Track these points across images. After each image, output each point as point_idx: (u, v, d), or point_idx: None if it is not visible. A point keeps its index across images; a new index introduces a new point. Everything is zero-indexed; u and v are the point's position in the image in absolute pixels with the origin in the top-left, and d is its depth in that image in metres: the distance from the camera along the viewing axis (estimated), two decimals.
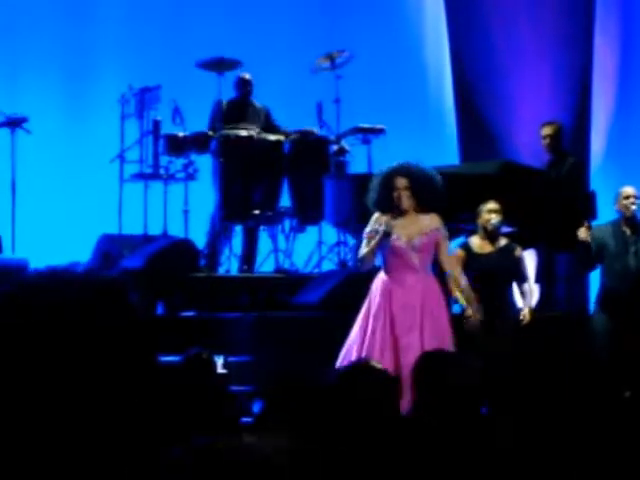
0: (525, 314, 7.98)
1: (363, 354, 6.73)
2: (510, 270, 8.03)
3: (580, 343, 8.36)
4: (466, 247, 8.12)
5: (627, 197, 8.48)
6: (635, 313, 8.26)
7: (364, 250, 7.01)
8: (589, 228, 8.32)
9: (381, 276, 7.05)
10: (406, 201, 6.97)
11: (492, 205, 8.01)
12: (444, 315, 6.98)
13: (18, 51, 10.99)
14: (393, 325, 6.83)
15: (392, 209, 7.01)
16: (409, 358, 6.53)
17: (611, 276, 8.42)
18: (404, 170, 7.05)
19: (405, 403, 6.32)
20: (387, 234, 6.89)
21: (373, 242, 6.93)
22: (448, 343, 6.82)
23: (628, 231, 8.45)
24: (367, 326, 6.90)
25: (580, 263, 8.78)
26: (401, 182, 6.98)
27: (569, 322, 9.13)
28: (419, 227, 7.00)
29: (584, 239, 8.28)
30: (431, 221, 7.04)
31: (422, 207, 7.04)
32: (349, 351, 6.87)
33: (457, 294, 7.23)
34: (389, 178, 7.02)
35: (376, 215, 7.05)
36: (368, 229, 7.04)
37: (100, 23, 11.23)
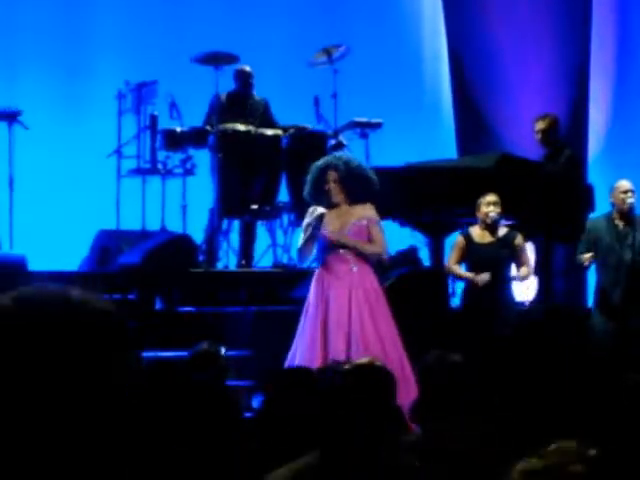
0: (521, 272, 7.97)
1: (300, 349, 6.93)
2: (509, 259, 8.03)
3: (578, 336, 8.36)
4: (467, 235, 8.12)
5: (625, 191, 8.46)
6: (631, 311, 8.25)
7: (301, 241, 7.22)
8: (592, 257, 8.30)
9: (318, 268, 7.26)
10: (336, 194, 7.18)
11: (491, 198, 8.01)
12: (381, 303, 7.10)
13: (15, 47, 10.97)
14: (327, 313, 6.97)
15: (324, 202, 7.22)
16: (337, 347, 6.69)
17: (606, 270, 8.42)
18: (334, 164, 7.26)
19: None
20: (320, 217, 7.06)
21: (308, 231, 7.12)
22: (387, 329, 7.00)
23: (621, 224, 8.44)
24: (305, 313, 7.10)
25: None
26: (331, 175, 7.20)
27: (567, 315, 9.14)
28: (350, 218, 7.20)
29: (586, 266, 8.31)
30: (363, 211, 7.23)
31: (354, 199, 7.23)
32: (295, 350, 7.04)
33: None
34: (321, 172, 7.25)
35: (312, 208, 7.22)
36: (306, 221, 7.21)
37: (97, 19, 11.22)
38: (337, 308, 6.98)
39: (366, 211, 7.23)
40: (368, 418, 3.18)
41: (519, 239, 8.11)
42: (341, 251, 7.15)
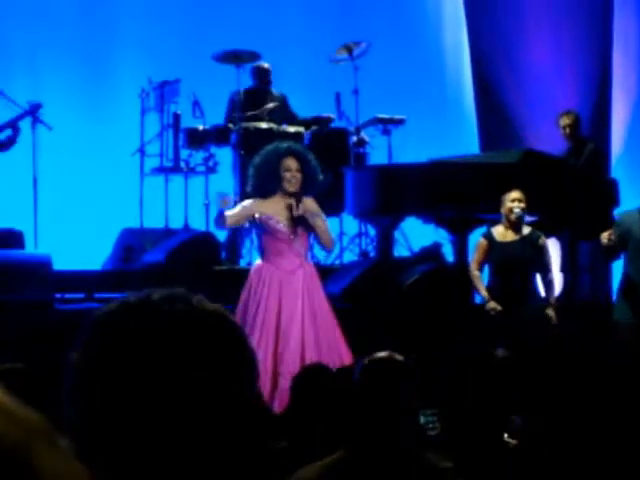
0: (550, 313, 7.90)
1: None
2: (533, 258, 7.98)
3: (603, 332, 8.31)
4: (489, 236, 8.07)
5: None
6: None
7: (234, 216, 6.86)
8: (611, 234, 8.15)
9: (261, 264, 6.92)
10: (295, 184, 6.81)
11: (515, 194, 7.96)
12: (325, 300, 6.92)
13: (38, 46, 11.02)
14: (279, 313, 6.73)
15: (275, 188, 6.84)
16: (290, 347, 6.54)
17: (635, 264, 8.32)
18: (298, 152, 6.92)
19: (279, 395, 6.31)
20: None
21: (243, 216, 6.87)
22: (333, 326, 6.82)
23: None
24: (250, 316, 6.76)
25: (604, 255, 8.66)
26: (293, 163, 6.82)
27: (593, 311, 9.09)
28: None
29: (606, 244, 8.14)
30: (310, 204, 6.88)
31: (304, 192, 6.89)
32: None
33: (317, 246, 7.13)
34: (280, 157, 6.84)
35: (253, 201, 6.89)
36: (247, 204, 6.90)
37: (119, 18, 11.25)
38: (290, 314, 6.71)
39: (312, 205, 6.91)
40: (393, 413, 3.16)
41: (542, 239, 8.05)
42: (293, 245, 6.83)
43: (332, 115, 9.99)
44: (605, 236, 8.03)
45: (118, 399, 1.16)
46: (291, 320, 6.71)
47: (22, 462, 0.88)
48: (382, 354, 3.30)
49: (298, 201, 6.83)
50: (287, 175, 6.81)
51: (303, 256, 6.97)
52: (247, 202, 6.98)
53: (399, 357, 3.31)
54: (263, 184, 6.89)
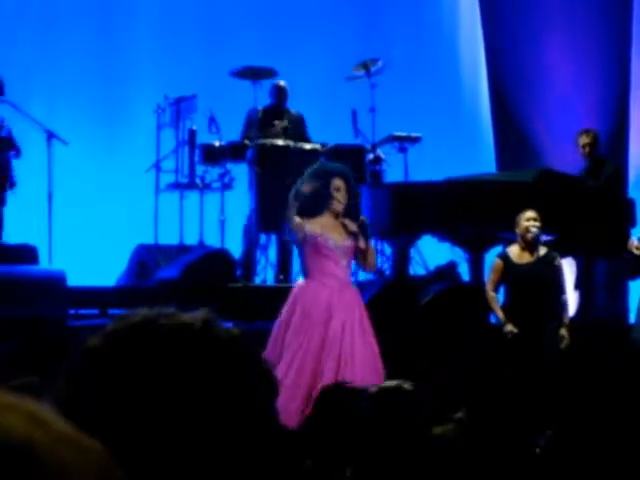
0: (563, 335, 7.85)
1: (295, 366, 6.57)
2: (549, 279, 7.93)
3: (619, 350, 8.25)
4: (504, 257, 8.03)
5: None
6: None
7: (305, 227, 6.86)
8: None
9: (307, 281, 6.90)
10: (342, 204, 6.88)
11: (531, 214, 7.92)
12: (367, 318, 6.90)
13: (55, 62, 11.04)
14: (326, 332, 6.68)
15: (322, 208, 6.89)
16: (329, 364, 6.49)
17: None
18: (345, 173, 7.00)
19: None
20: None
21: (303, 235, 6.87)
22: (375, 346, 6.78)
23: None
24: (291, 333, 6.70)
25: (627, 271, 8.58)
26: (342, 184, 6.90)
27: (608, 330, 9.02)
28: (343, 230, 6.91)
29: (638, 254, 8.05)
30: (352, 225, 6.93)
31: (345, 212, 6.96)
32: (292, 365, 6.61)
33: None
34: (330, 176, 6.90)
35: (301, 220, 6.89)
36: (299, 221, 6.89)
37: (135, 34, 11.26)
38: (335, 332, 6.67)
39: (353, 226, 6.96)
40: (398, 443, 3.12)
41: (558, 260, 8.02)
42: (341, 264, 6.85)
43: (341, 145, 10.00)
44: (637, 246, 7.94)
45: (108, 425, 1.13)
46: (335, 338, 6.67)
47: None
48: (391, 384, 3.26)
49: (355, 219, 6.92)
50: (338, 195, 6.88)
51: (348, 274, 7.01)
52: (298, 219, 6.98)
53: (408, 386, 3.27)
54: (313, 203, 6.92)
